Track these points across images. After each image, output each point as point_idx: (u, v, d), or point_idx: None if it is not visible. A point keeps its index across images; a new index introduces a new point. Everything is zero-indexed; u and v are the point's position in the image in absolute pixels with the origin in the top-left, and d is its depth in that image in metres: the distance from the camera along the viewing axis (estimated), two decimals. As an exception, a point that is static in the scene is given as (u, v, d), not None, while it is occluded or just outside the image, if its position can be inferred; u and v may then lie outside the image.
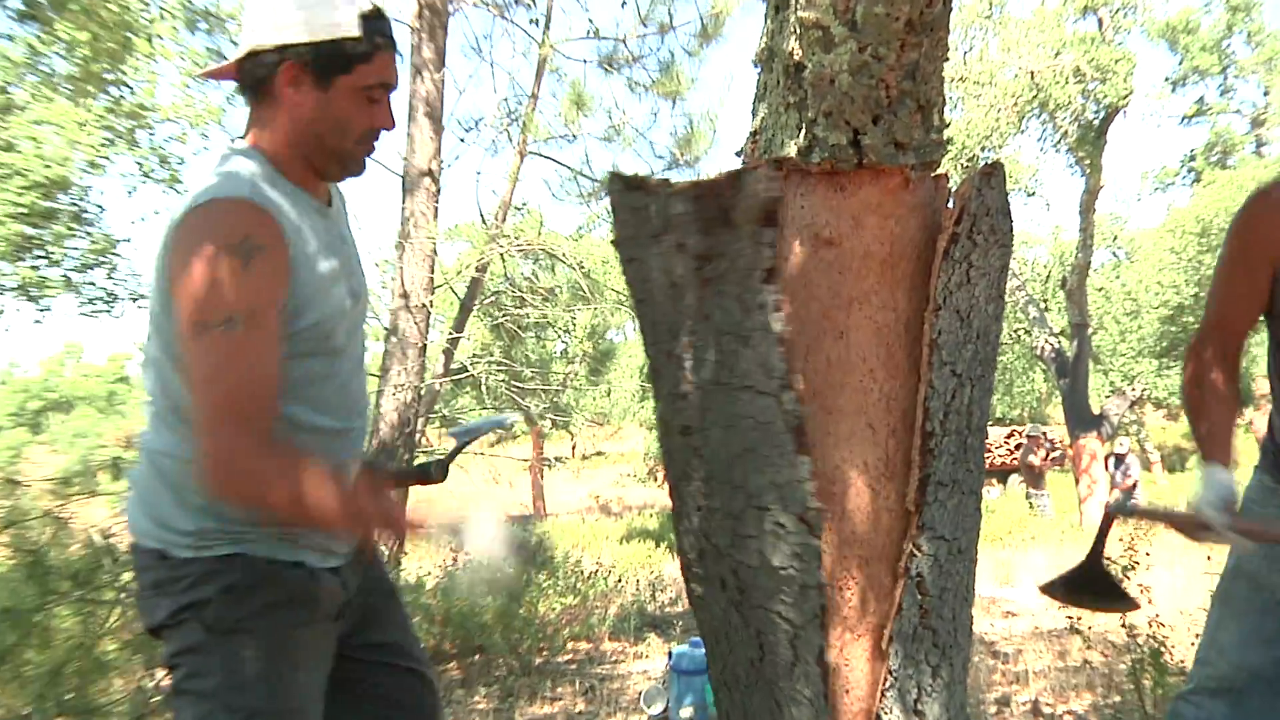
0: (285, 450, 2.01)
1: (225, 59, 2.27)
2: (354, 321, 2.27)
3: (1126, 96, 19.30)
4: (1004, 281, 2.15)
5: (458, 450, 2.62)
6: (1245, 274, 2.69)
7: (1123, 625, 4.26)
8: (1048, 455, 23.78)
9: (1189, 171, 29.71)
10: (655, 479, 37.08)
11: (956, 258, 2.03)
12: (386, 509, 2.06)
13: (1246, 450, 2.59)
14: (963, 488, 2.05)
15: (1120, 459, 20.45)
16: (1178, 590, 6.98)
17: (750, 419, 1.92)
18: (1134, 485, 19.81)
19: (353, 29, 2.06)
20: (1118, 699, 5.02)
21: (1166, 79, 26.42)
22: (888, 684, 2.01)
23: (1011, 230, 2.15)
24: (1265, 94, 26.16)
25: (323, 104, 2.10)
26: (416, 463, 2.57)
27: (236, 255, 1.93)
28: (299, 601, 2.16)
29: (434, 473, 2.51)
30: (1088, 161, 20.20)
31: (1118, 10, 19.97)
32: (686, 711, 5.25)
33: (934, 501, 2.00)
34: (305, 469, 1.95)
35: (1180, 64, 25.66)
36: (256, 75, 2.11)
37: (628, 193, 1.99)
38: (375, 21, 2.11)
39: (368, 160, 2.23)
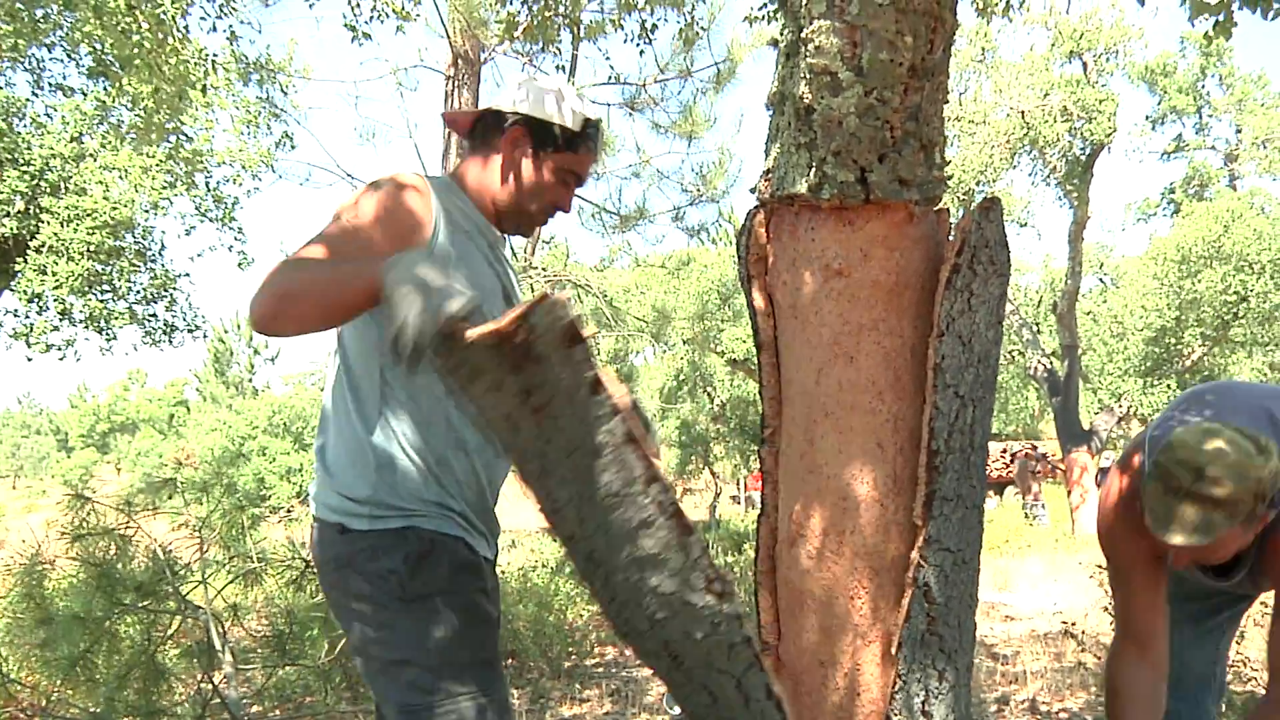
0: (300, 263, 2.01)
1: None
2: None
3: (1110, 134, 19.29)
4: (1003, 308, 2.13)
5: None
6: (1129, 579, 2.73)
7: (1113, 628, 4.22)
8: (1043, 468, 23.74)
9: (1169, 203, 29.63)
10: (676, 494, 37.03)
11: (958, 286, 2.01)
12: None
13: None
14: (966, 502, 2.03)
15: (1108, 473, 20.36)
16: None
17: (625, 522, 1.83)
18: None
19: (575, 124, 2.33)
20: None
21: (1147, 118, 26.41)
22: (896, 687, 1.99)
23: (1009, 260, 2.13)
24: (1237, 132, 26.15)
25: (529, 168, 2.34)
26: None
27: (377, 187, 2.16)
28: (472, 569, 2.24)
29: None
30: (1075, 194, 20.19)
31: (1101, 55, 19.98)
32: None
33: (939, 516, 1.98)
34: (317, 265, 2.00)
35: (1159, 104, 25.66)
36: (488, 127, 2.36)
37: (443, 353, 1.81)
38: (593, 128, 2.38)
39: (541, 226, 2.47)
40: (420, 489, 2.20)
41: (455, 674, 2.13)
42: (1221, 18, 3.36)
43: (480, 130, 2.39)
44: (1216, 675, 3.01)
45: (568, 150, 2.34)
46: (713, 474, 33.00)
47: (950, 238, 2.08)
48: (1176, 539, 2.27)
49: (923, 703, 1.97)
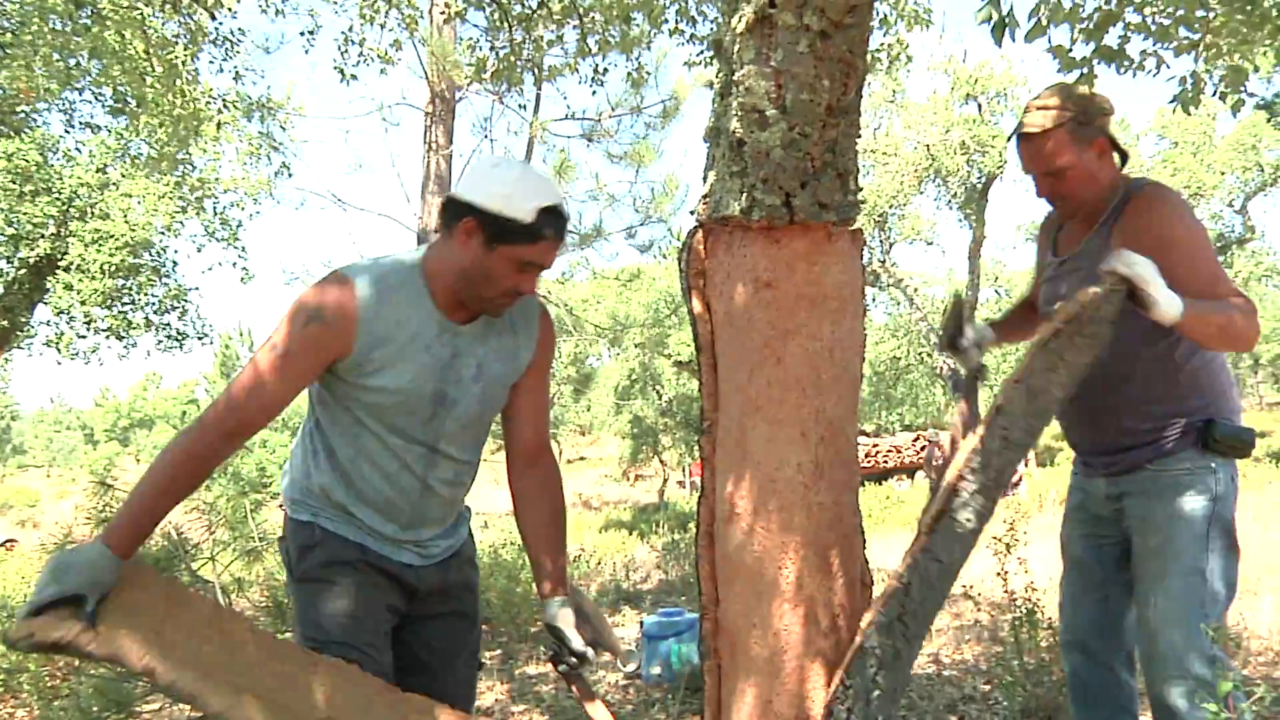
0: (204, 449, 2.11)
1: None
2: (434, 419, 2.27)
3: (1001, 166, 19.53)
4: (1083, 373, 2.09)
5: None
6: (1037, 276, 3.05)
7: (1005, 592, 4.27)
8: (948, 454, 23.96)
9: (1053, 225, 30.08)
10: (629, 479, 37.09)
11: (1052, 348, 2.02)
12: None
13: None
14: (974, 528, 2.01)
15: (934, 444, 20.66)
16: (1048, 560, 7.00)
17: None
18: (1019, 481, 20.03)
19: (527, 216, 2.10)
20: (1000, 649, 5.03)
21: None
22: (855, 657, 1.96)
23: (1109, 334, 2.10)
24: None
25: (481, 259, 2.14)
26: None
27: (300, 312, 2.11)
28: (357, 565, 2.28)
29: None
30: (974, 217, 20.42)
31: (993, 97, 20.23)
32: (655, 669, 5.22)
33: (942, 531, 1.98)
34: (169, 458, 2.08)
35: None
36: (448, 215, 2.18)
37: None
38: (551, 216, 2.15)
39: (504, 309, 2.26)
40: (330, 494, 2.29)
41: (317, 648, 2.19)
42: (1085, 70, 3.47)
43: (444, 215, 2.20)
44: (1125, 643, 2.86)
45: (524, 242, 2.13)
46: (661, 462, 33.09)
47: (1071, 309, 2.07)
48: (1017, 125, 2.66)
49: (874, 673, 1.96)
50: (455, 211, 2.15)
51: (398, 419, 2.24)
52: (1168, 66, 3.69)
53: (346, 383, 2.20)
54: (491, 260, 2.13)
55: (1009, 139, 2.74)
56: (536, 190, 2.13)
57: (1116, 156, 2.68)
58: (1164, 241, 2.36)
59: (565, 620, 2.34)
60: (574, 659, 2.33)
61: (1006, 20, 2.95)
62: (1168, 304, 2.16)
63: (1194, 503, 2.51)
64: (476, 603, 2.55)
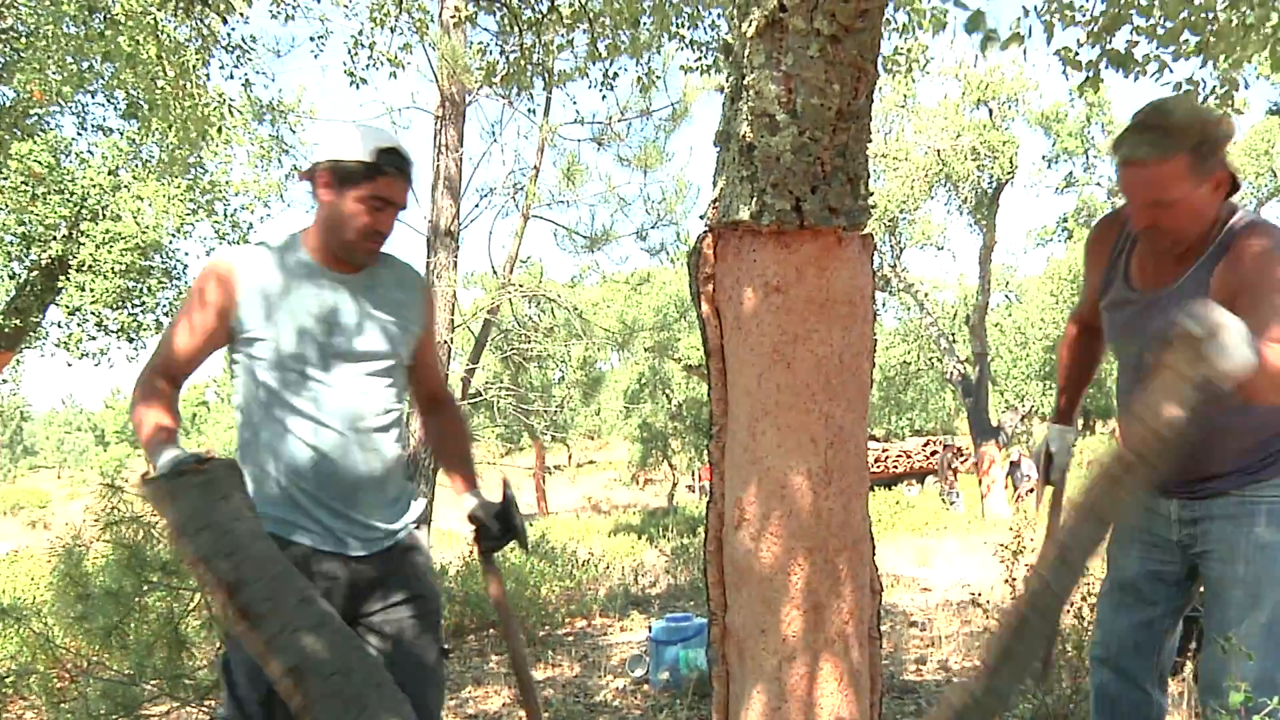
0: (151, 392, 2.37)
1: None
2: (331, 361, 2.42)
3: (1012, 171, 19.50)
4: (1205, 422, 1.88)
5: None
6: (1089, 280, 2.79)
7: (1014, 598, 4.25)
8: (961, 461, 23.92)
9: (1063, 230, 29.91)
10: (638, 483, 37.06)
11: (1124, 485, 1.84)
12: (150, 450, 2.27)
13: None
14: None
15: (1015, 465, 20.59)
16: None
17: None
18: (1031, 490, 19.91)
19: (368, 157, 2.34)
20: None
21: (1043, 157, 26.59)
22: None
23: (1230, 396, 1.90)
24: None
25: (335, 204, 2.38)
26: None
27: (202, 278, 2.41)
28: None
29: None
30: (984, 222, 20.37)
31: (1004, 103, 20.19)
32: (664, 674, 5.21)
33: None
34: (147, 405, 2.33)
35: (1053, 146, 25.81)
36: (310, 178, 2.42)
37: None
38: (389, 154, 2.37)
39: (372, 253, 2.46)
40: (264, 486, 2.39)
41: (236, 654, 2.32)
42: (1091, 74, 3.46)
43: (307, 182, 2.44)
44: (1162, 664, 2.71)
45: (367, 180, 2.35)
46: (671, 466, 33.03)
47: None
48: (1127, 149, 2.29)
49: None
50: (311, 171, 2.40)
51: (301, 367, 2.38)
52: (1170, 71, 3.68)
53: (245, 344, 2.39)
54: (344, 202, 2.36)
55: (1112, 154, 2.40)
56: (374, 136, 2.38)
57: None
58: (1245, 283, 2.20)
59: (484, 510, 2.62)
60: (493, 540, 2.63)
61: (991, 34, 2.92)
62: (1239, 368, 1.79)
63: None
64: (429, 588, 2.59)
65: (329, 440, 2.38)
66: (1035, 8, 3.37)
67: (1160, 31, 3.41)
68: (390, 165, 2.38)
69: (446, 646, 2.63)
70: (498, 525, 2.62)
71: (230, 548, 1.96)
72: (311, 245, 2.44)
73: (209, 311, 2.37)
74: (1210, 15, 3.30)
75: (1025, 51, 3.12)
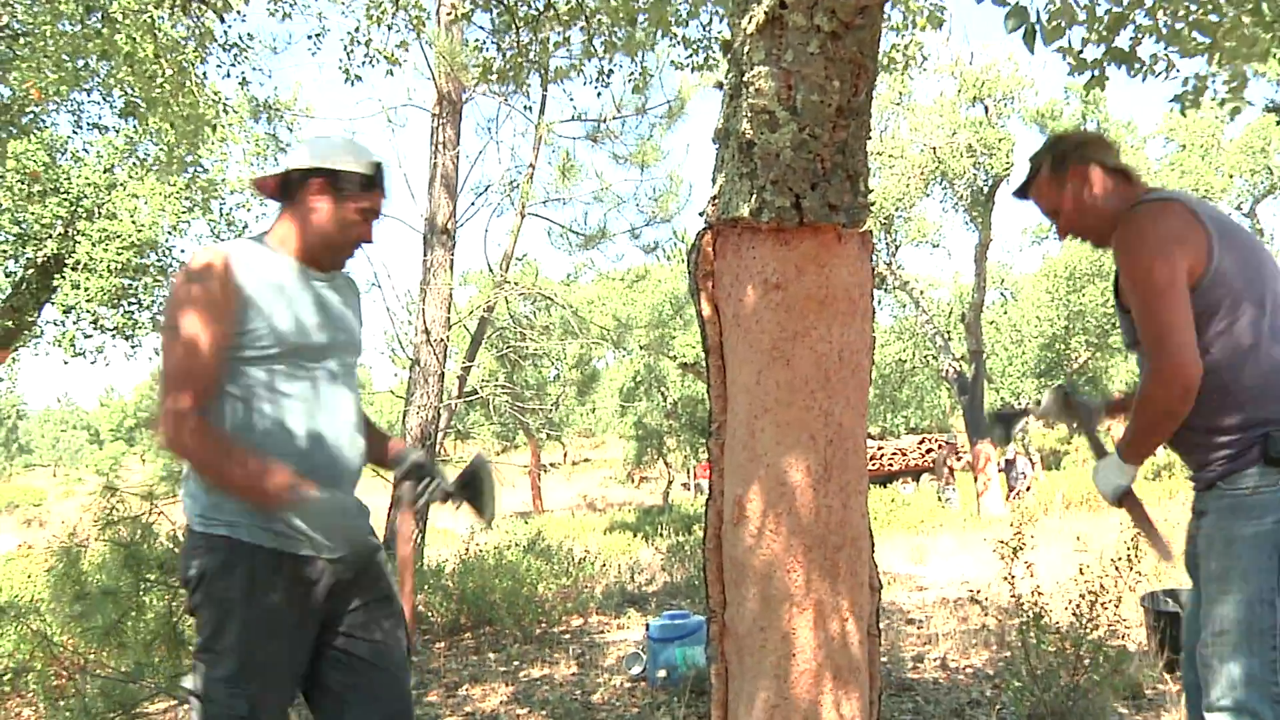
0: (222, 433, 2.29)
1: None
2: (321, 354, 2.46)
3: (1008, 168, 19.50)
4: None
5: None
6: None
7: (1012, 596, 4.26)
8: (958, 457, 23.94)
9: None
10: (633, 481, 37.08)
11: None
12: (291, 494, 2.22)
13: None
14: None
15: (1010, 463, 20.64)
16: (1054, 566, 7.00)
17: None
18: (1029, 487, 20.00)
19: (367, 170, 2.46)
20: (1007, 654, 5.01)
21: (1040, 154, 26.63)
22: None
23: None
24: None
25: (334, 212, 2.45)
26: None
27: (185, 280, 2.33)
28: (276, 583, 2.31)
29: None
30: (980, 220, 20.37)
31: (1000, 100, 20.21)
32: (661, 672, 5.21)
33: None
34: (234, 448, 2.26)
35: (1050, 143, 25.89)
36: (293, 185, 2.46)
37: None
38: (380, 172, 2.51)
39: (350, 259, 2.57)
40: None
41: (215, 670, 2.29)
42: (1096, 73, 3.45)
43: (287, 189, 2.48)
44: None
45: (364, 192, 2.46)
46: (666, 464, 33.08)
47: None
48: (1015, 193, 2.81)
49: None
50: (302, 178, 2.44)
51: (298, 360, 2.41)
52: (1177, 70, 3.68)
53: (241, 336, 2.35)
54: (343, 212, 2.45)
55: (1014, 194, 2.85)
56: (364, 151, 2.50)
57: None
58: (1129, 289, 2.38)
59: (418, 457, 2.68)
60: (427, 488, 2.64)
61: (1036, 26, 2.92)
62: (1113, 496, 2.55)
63: (1258, 524, 2.30)
64: (393, 588, 2.61)
65: (326, 431, 2.42)
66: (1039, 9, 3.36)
67: (1164, 30, 3.40)
68: (382, 180, 2.52)
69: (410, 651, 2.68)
70: (459, 487, 2.69)
71: None
72: (290, 246, 2.48)
73: (217, 312, 2.32)
74: (1220, 18, 3.29)
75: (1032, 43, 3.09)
